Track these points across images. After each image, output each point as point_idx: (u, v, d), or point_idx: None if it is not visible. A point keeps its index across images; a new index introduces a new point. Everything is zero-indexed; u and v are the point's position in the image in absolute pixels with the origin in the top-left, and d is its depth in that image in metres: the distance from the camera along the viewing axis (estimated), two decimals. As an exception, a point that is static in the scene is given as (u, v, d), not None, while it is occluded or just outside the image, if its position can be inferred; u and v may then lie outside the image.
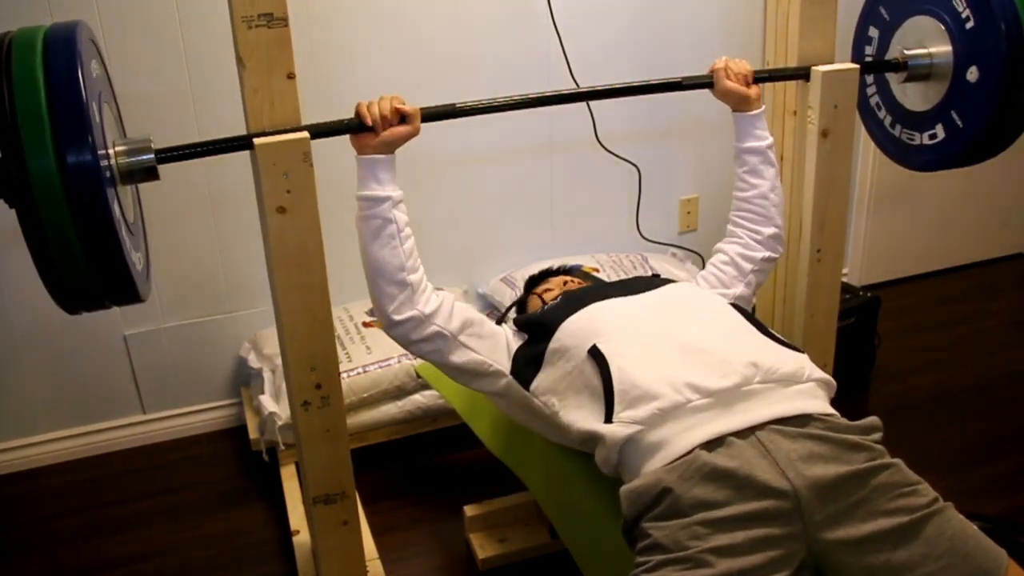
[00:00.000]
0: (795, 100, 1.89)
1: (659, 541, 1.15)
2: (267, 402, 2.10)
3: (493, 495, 1.99)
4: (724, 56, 1.70)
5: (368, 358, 2.17)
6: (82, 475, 2.28)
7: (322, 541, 1.60)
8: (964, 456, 2.20)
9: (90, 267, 1.14)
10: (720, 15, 2.53)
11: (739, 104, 1.68)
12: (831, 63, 1.75)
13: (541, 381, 1.46)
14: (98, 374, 2.31)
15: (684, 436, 1.23)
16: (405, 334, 1.46)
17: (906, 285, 3.12)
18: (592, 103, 2.34)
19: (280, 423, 2.06)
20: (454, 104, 1.52)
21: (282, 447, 2.09)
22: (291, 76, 1.35)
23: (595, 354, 1.36)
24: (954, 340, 2.76)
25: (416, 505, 2.11)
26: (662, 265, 2.52)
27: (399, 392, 2.17)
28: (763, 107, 1.69)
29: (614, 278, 2.36)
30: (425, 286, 1.46)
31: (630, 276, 2.37)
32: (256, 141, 1.33)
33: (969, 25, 1.60)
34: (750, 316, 1.47)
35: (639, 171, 2.53)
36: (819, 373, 1.35)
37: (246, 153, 1.40)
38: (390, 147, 1.43)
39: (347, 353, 2.18)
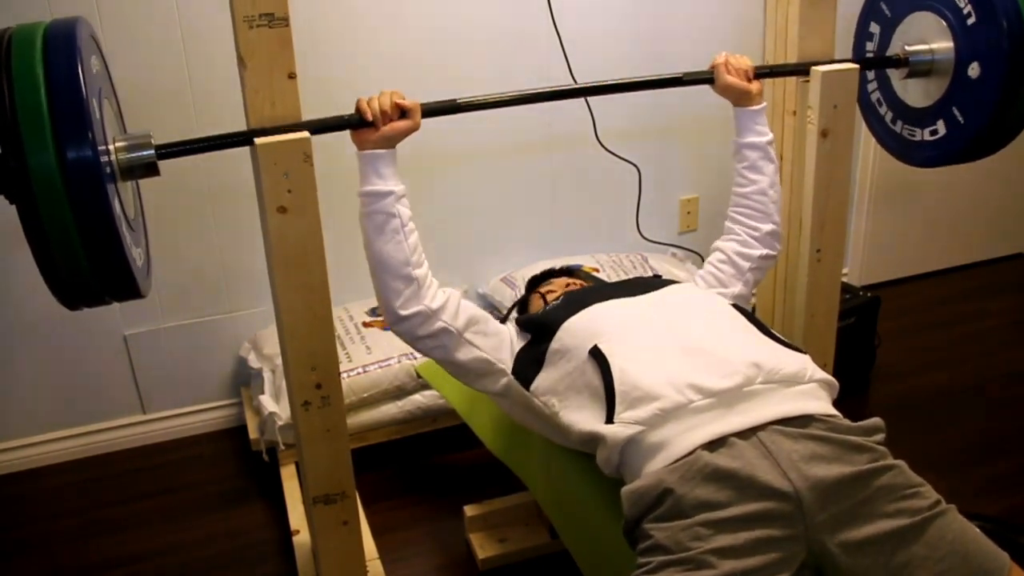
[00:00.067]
0: (795, 100, 1.90)
1: (661, 542, 1.15)
2: (267, 402, 2.10)
3: (493, 495, 1.99)
4: (724, 52, 1.70)
5: (368, 358, 2.17)
6: (82, 475, 2.28)
7: (322, 541, 1.60)
8: (964, 456, 2.20)
9: (90, 263, 1.14)
10: (720, 13, 2.53)
11: (740, 99, 1.68)
12: (831, 57, 1.75)
13: (542, 381, 1.46)
14: (98, 374, 2.31)
15: (686, 436, 1.23)
16: (411, 330, 1.46)
17: (906, 285, 3.12)
18: (592, 103, 2.34)
19: (280, 423, 2.06)
20: (455, 100, 1.52)
21: (282, 447, 2.09)
22: (292, 76, 1.35)
23: (596, 355, 1.36)
24: (954, 340, 2.76)
25: (416, 505, 2.11)
26: (662, 265, 2.52)
27: (399, 392, 2.17)
28: (764, 103, 1.69)
29: (614, 278, 2.36)
30: (431, 281, 1.46)
31: (630, 276, 2.37)
32: (257, 141, 1.33)
33: (971, 21, 1.60)
34: (751, 317, 1.47)
35: (639, 171, 2.53)
36: (821, 374, 1.35)
37: (246, 151, 1.40)
38: (390, 142, 1.42)
39: (347, 353, 2.18)
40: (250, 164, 1.42)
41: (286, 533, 1.98)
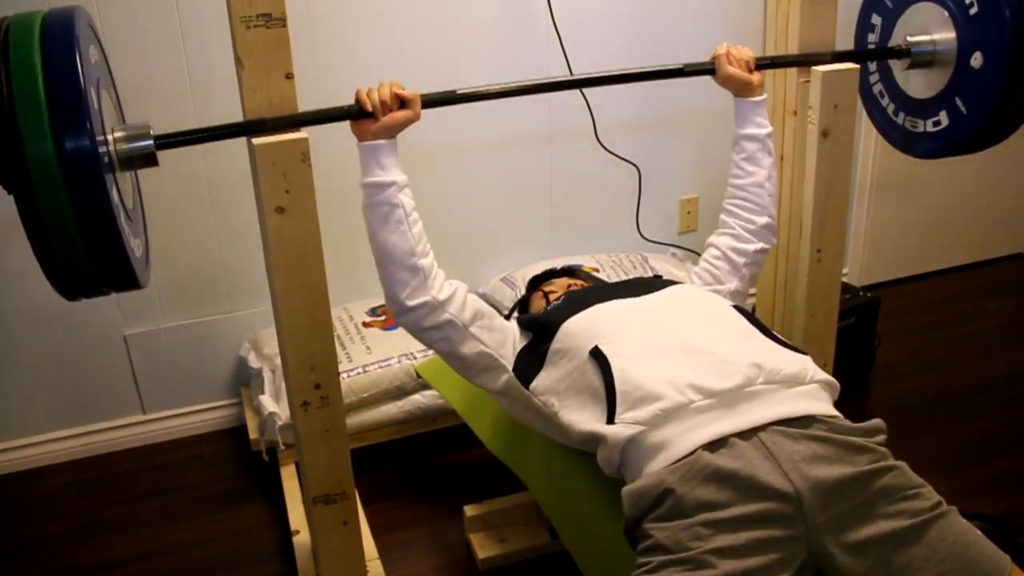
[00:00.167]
0: (795, 100, 1.89)
1: (661, 542, 1.15)
2: (267, 402, 2.10)
3: (493, 495, 1.98)
4: (726, 43, 1.69)
5: (368, 358, 2.17)
6: (82, 475, 2.28)
7: (322, 541, 1.60)
8: (964, 456, 2.19)
9: (88, 252, 1.14)
10: (720, 7, 2.53)
11: (741, 90, 1.68)
12: (832, 48, 1.74)
13: (542, 381, 1.45)
14: (98, 374, 2.31)
15: (686, 437, 1.23)
16: (417, 321, 1.45)
17: (906, 285, 3.12)
18: (592, 103, 2.34)
19: (280, 423, 2.06)
20: (454, 90, 1.51)
21: (282, 447, 2.09)
22: (290, 76, 1.35)
23: (597, 355, 1.35)
24: (954, 340, 2.76)
25: (416, 505, 2.11)
26: (662, 265, 2.52)
27: (399, 392, 2.17)
28: (764, 95, 1.69)
29: (614, 278, 2.36)
30: (437, 271, 1.45)
31: (630, 276, 2.37)
32: (255, 141, 1.33)
33: (973, 11, 1.60)
34: (752, 318, 1.47)
35: (639, 171, 2.52)
36: (822, 375, 1.35)
37: (246, 152, 1.40)
38: (390, 132, 1.41)
39: (347, 353, 2.18)
40: (249, 164, 1.42)
41: (286, 533, 1.98)
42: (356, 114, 1.41)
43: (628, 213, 2.60)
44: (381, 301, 2.41)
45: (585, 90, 2.31)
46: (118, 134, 1.25)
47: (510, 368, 1.51)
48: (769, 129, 1.68)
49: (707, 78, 1.72)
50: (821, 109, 1.72)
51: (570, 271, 1.95)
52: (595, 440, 1.32)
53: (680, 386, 1.27)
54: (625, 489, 1.22)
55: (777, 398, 1.28)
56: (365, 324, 2.31)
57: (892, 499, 1.17)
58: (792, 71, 1.87)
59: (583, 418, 1.35)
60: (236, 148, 1.48)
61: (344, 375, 2.07)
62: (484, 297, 2.54)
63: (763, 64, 1.70)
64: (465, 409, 1.94)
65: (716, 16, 2.52)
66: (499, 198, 2.53)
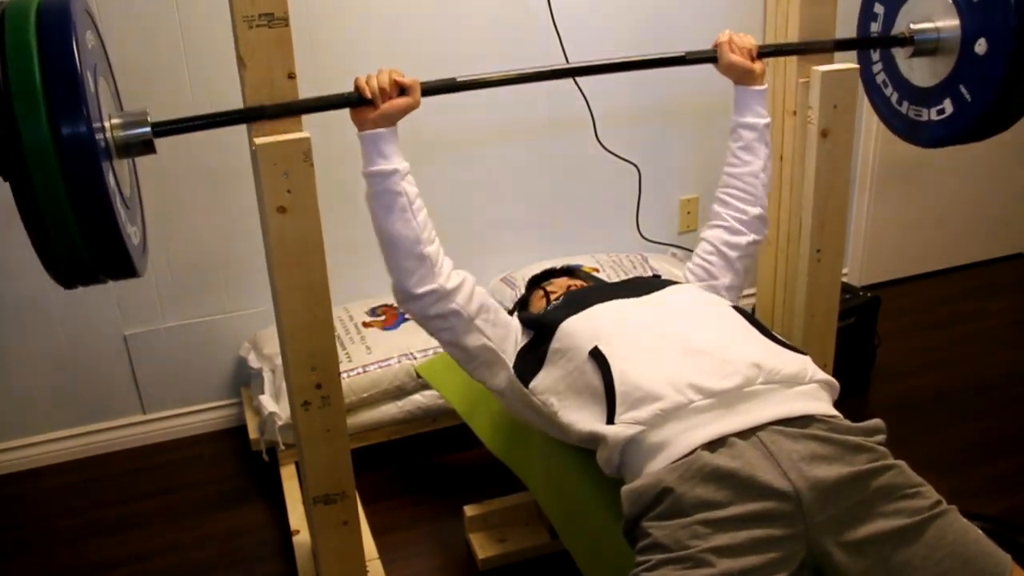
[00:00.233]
0: (795, 100, 1.89)
1: (659, 540, 1.15)
2: (267, 402, 2.10)
3: (493, 495, 1.99)
4: (728, 30, 1.68)
5: (368, 358, 2.17)
6: (82, 475, 2.28)
7: (322, 541, 1.60)
8: (964, 456, 2.20)
9: (84, 240, 1.13)
10: (720, 3, 2.52)
11: (742, 78, 1.67)
12: (833, 37, 1.74)
13: (541, 380, 1.46)
14: (98, 374, 2.31)
15: (686, 437, 1.23)
16: (423, 308, 1.45)
17: (906, 285, 3.12)
18: (592, 103, 2.34)
19: (280, 423, 2.06)
20: (454, 78, 1.50)
21: (282, 447, 2.09)
22: (292, 76, 1.35)
23: (596, 356, 1.36)
24: (954, 340, 2.76)
25: (416, 505, 2.11)
26: (662, 265, 2.52)
27: (399, 392, 2.17)
28: (766, 86, 1.68)
29: (614, 278, 2.36)
30: (443, 259, 1.45)
31: (630, 276, 2.37)
32: (257, 140, 1.33)
33: None
34: (752, 318, 1.47)
35: (639, 171, 2.52)
36: (821, 375, 1.35)
37: (247, 152, 1.40)
38: (390, 120, 1.41)
39: (347, 353, 2.18)
40: (250, 163, 1.42)
41: (286, 533, 1.98)
42: (355, 101, 1.40)
43: (628, 213, 2.60)
44: (381, 301, 2.41)
45: (586, 91, 2.31)
46: (115, 121, 1.24)
47: (511, 365, 1.51)
48: (768, 120, 1.67)
49: (709, 78, 1.72)
50: (821, 109, 1.72)
51: (570, 271, 1.95)
52: (595, 440, 1.32)
53: (680, 386, 1.27)
54: (624, 488, 1.23)
55: (776, 398, 1.28)
56: (365, 324, 2.31)
57: (891, 498, 1.17)
58: (792, 71, 1.87)
59: (583, 418, 1.35)
60: (237, 145, 1.48)
61: (344, 375, 2.07)
62: (484, 297, 2.55)
63: (765, 52, 1.69)
64: (465, 409, 1.94)
65: (716, 8, 2.51)
66: (499, 198, 2.53)
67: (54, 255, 1.14)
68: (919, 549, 1.14)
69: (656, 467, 1.23)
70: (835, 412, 1.31)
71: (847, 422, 1.28)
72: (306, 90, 1.39)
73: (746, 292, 2.62)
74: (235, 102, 1.40)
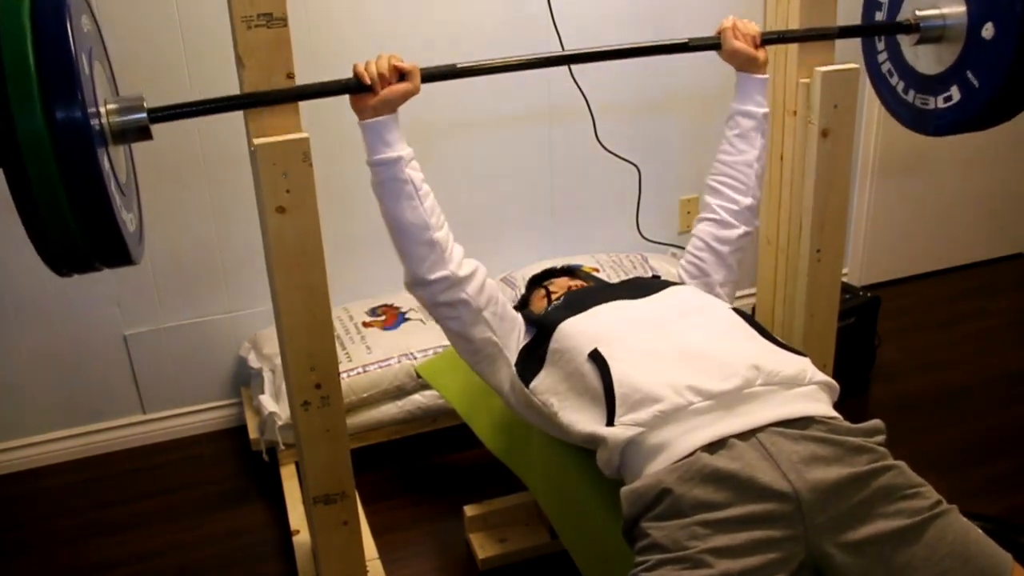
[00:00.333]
0: (795, 100, 1.89)
1: (658, 541, 1.15)
2: (267, 402, 2.10)
3: (493, 495, 1.99)
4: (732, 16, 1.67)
5: (368, 358, 2.17)
6: (82, 475, 2.28)
7: (322, 541, 1.60)
8: (964, 456, 2.20)
9: (79, 226, 1.11)
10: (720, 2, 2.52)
11: (745, 65, 1.65)
12: (835, 24, 1.73)
13: (541, 380, 1.46)
14: (98, 374, 2.31)
15: (685, 438, 1.23)
16: (433, 295, 1.45)
17: (906, 285, 3.12)
18: (593, 103, 2.34)
19: (280, 423, 2.06)
20: (454, 64, 1.48)
21: (282, 447, 2.09)
22: (290, 76, 1.34)
23: (595, 358, 1.35)
24: (954, 340, 2.76)
25: (416, 505, 2.11)
26: (662, 265, 2.52)
27: (399, 392, 2.17)
28: (768, 76, 1.67)
29: (614, 278, 2.36)
30: (453, 245, 1.45)
31: (630, 276, 2.37)
32: (256, 141, 1.33)
33: None
34: (751, 319, 1.47)
35: (639, 171, 2.52)
36: (821, 376, 1.35)
37: (247, 152, 1.39)
38: (390, 106, 1.39)
39: (347, 353, 2.18)
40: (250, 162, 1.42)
41: (286, 533, 1.98)
42: (354, 87, 1.39)
43: (628, 213, 2.60)
44: (381, 301, 2.41)
45: (586, 91, 2.31)
46: (111, 106, 1.23)
47: (512, 361, 1.51)
48: (766, 110, 1.66)
49: (709, 78, 1.72)
50: (821, 109, 1.71)
51: (570, 271, 1.95)
52: (595, 441, 1.32)
53: (679, 388, 1.27)
54: (624, 489, 1.23)
55: (776, 399, 1.28)
56: (365, 324, 2.31)
57: (891, 498, 1.17)
58: (793, 71, 1.87)
59: (583, 419, 1.35)
60: (237, 145, 1.48)
61: (344, 375, 2.07)
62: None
63: (769, 39, 1.67)
64: (465, 409, 1.94)
65: (716, 5, 2.50)
66: (499, 198, 2.53)
67: (48, 241, 1.12)
68: (919, 549, 1.14)
69: (656, 468, 1.23)
70: (835, 413, 1.31)
71: (847, 423, 1.28)
72: (301, 64, 1.37)
73: (746, 292, 2.63)
74: (232, 88, 1.39)
